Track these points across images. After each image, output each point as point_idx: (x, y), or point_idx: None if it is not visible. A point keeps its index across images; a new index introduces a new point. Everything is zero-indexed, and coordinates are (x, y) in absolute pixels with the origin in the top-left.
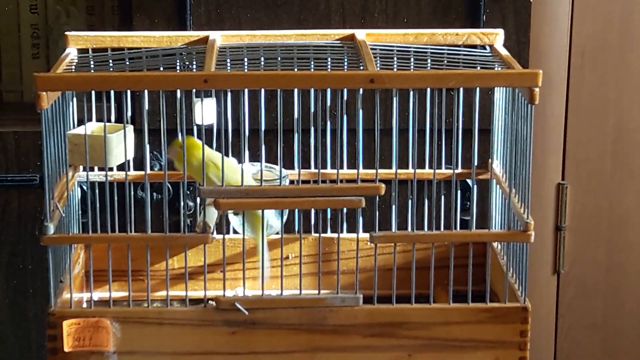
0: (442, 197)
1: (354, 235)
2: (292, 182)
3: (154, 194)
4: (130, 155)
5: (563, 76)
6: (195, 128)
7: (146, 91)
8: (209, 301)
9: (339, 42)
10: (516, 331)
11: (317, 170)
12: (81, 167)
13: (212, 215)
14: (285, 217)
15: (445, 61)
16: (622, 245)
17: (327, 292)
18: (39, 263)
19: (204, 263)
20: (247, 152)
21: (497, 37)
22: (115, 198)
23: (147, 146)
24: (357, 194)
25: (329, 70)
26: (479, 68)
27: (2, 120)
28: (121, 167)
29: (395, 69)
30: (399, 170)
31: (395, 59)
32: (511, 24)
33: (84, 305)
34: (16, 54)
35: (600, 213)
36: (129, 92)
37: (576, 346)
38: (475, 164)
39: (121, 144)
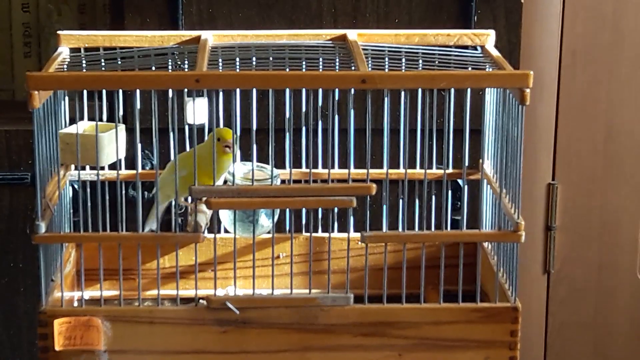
0: (433, 197)
1: (344, 235)
2: (283, 181)
3: (146, 193)
4: (122, 155)
5: (554, 76)
6: (187, 127)
7: (138, 91)
8: (200, 300)
9: (330, 42)
10: (506, 331)
11: (308, 170)
12: (72, 166)
13: (203, 214)
14: (276, 217)
15: (437, 62)
16: (613, 245)
17: (318, 291)
18: (30, 261)
19: (195, 262)
20: (238, 152)
21: (488, 37)
22: (107, 197)
23: (139, 145)
24: (348, 194)
25: (321, 70)
26: (470, 69)
27: None
28: (113, 166)
29: (386, 70)
30: (390, 170)
31: (386, 59)
32: (502, 25)
33: (75, 304)
34: (8, 52)
35: (591, 212)
36: (120, 91)
37: (567, 345)
38: (466, 164)
39: (113, 143)
